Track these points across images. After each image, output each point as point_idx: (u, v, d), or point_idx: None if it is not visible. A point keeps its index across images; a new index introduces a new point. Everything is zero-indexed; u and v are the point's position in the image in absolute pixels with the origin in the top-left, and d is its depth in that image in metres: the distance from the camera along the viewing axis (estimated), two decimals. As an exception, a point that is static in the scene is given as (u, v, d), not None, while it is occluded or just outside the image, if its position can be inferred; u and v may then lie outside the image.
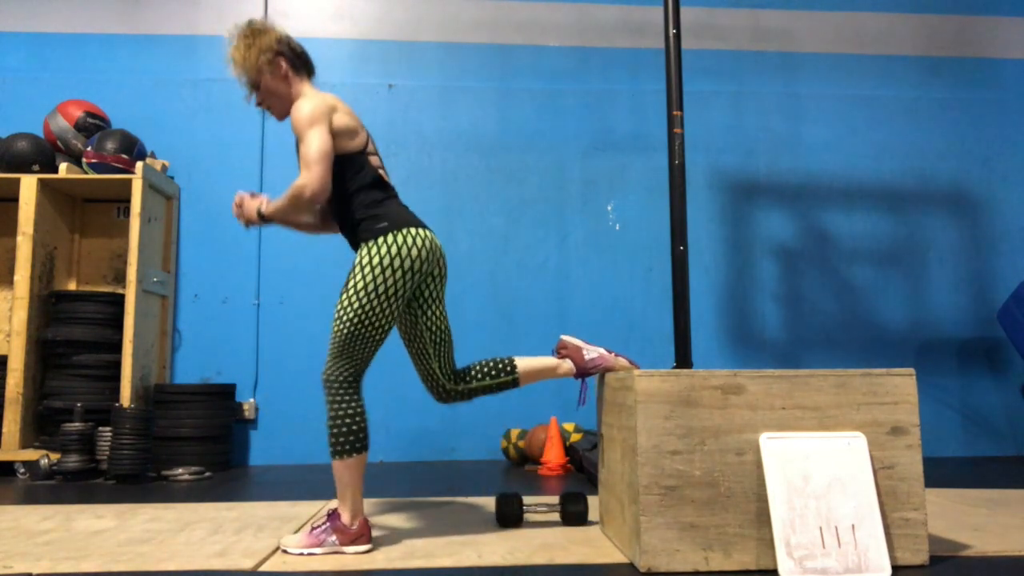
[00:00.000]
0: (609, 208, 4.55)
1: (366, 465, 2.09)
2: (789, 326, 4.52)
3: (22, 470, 3.63)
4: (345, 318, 2.05)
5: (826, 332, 4.52)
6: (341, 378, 2.05)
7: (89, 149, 3.96)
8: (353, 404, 2.05)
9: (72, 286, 4.24)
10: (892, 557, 1.80)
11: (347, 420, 2.03)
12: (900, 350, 4.53)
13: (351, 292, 2.06)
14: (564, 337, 2.37)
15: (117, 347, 3.88)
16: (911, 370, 1.91)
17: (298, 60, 2.25)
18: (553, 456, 3.77)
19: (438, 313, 2.25)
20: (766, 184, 4.64)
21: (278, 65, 2.20)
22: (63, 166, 3.92)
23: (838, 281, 4.57)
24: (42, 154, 3.97)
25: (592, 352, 2.31)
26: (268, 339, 4.28)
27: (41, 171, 3.94)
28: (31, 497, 3.02)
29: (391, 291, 2.06)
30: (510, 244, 4.47)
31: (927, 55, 4.83)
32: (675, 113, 3.08)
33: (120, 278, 4.26)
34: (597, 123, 4.61)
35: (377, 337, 2.08)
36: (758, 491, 1.82)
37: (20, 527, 2.37)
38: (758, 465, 1.83)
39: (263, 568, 1.88)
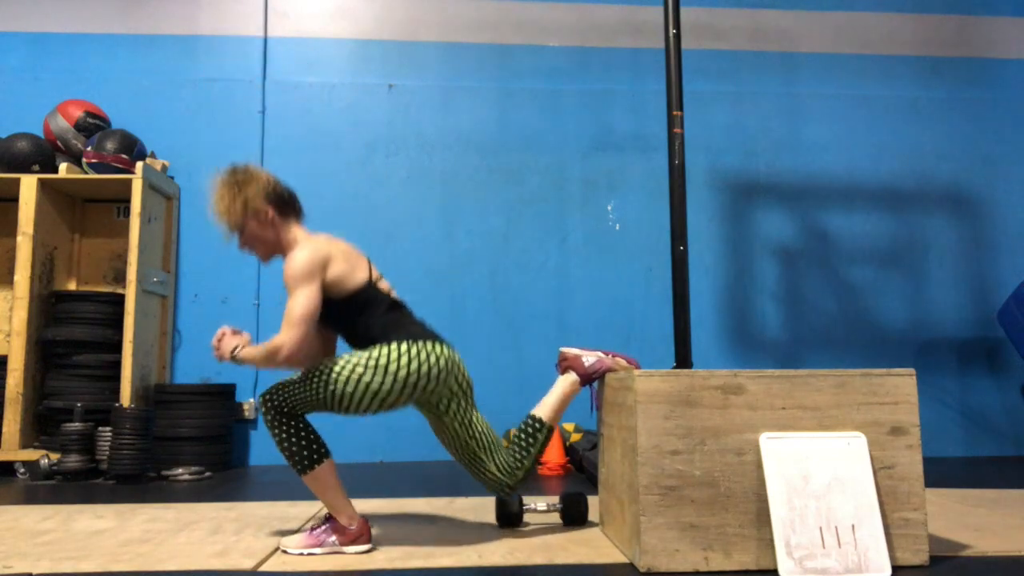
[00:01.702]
0: (609, 208, 4.55)
1: (335, 468, 2.04)
2: (789, 326, 4.52)
3: (22, 470, 3.63)
4: (328, 381, 1.99)
5: (826, 332, 4.52)
6: (276, 409, 2.01)
7: (89, 149, 3.96)
8: (292, 424, 2.00)
9: (72, 286, 4.24)
10: (892, 557, 1.80)
11: (292, 439, 2.00)
12: (900, 350, 4.53)
13: (348, 370, 1.99)
14: (562, 349, 2.38)
15: (117, 347, 3.88)
16: (911, 370, 1.91)
17: (286, 206, 2.16)
18: (553, 456, 3.77)
19: (476, 419, 2.23)
20: (766, 184, 4.63)
21: (264, 212, 2.11)
22: (63, 166, 3.92)
23: (838, 281, 4.57)
24: (42, 154, 3.97)
25: (590, 357, 2.32)
26: (268, 339, 4.27)
27: (41, 171, 3.94)
28: (31, 497, 3.02)
29: (385, 393, 2.01)
30: (510, 244, 4.47)
31: (927, 55, 4.83)
32: (675, 113, 3.08)
33: (120, 278, 4.26)
34: (597, 123, 4.61)
35: (336, 411, 2.03)
36: (758, 491, 1.82)
37: (20, 527, 2.37)
38: (758, 465, 1.83)
39: (263, 568, 1.88)
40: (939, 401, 4.51)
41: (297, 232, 2.18)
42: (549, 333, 4.38)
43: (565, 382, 2.32)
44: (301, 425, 2.02)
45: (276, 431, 2.01)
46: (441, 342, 2.12)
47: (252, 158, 4.41)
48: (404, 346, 2.04)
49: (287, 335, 1.97)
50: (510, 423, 4.28)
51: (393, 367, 2.01)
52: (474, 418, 2.22)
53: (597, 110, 4.62)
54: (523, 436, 2.27)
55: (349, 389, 1.99)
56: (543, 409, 2.30)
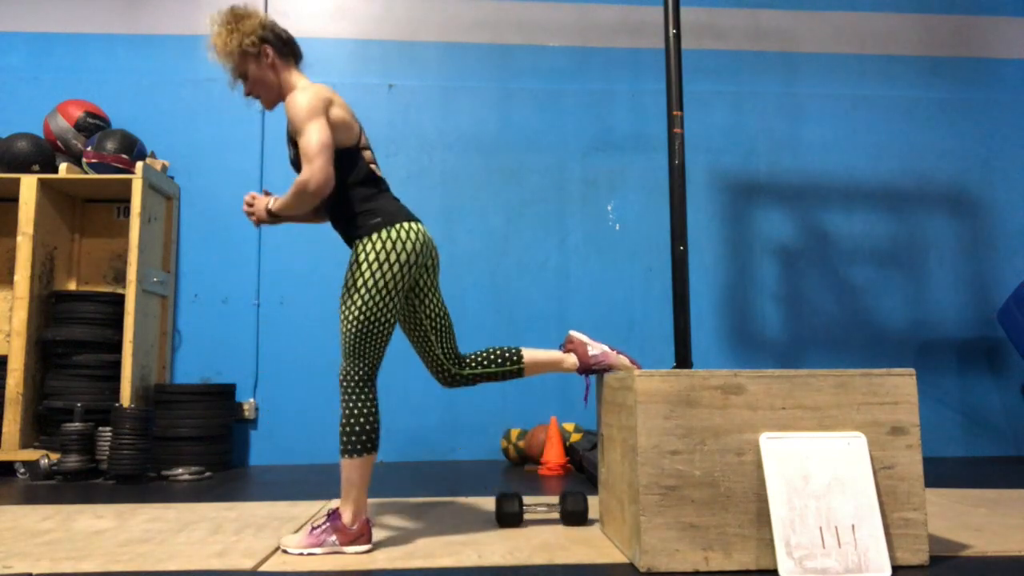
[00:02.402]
0: (609, 208, 4.55)
1: (373, 466, 2.09)
2: (789, 326, 4.52)
3: (22, 470, 3.63)
4: (351, 317, 2.06)
5: (826, 332, 4.52)
6: (357, 377, 2.06)
7: (89, 149, 3.96)
8: (367, 403, 2.06)
9: (72, 286, 4.24)
10: (892, 557, 1.80)
11: (360, 419, 2.04)
12: (900, 350, 4.53)
13: (352, 291, 2.07)
14: (572, 332, 2.39)
15: (117, 347, 3.88)
16: (911, 370, 1.91)
17: (284, 47, 2.19)
18: (553, 456, 3.77)
19: (435, 301, 2.27)
20: (766, 184, 4.64)
21: (264, 52, 2.14)
22: (63, 166, 3.92)
23: (838, 281, 4.57)
24: (42, 154, 3.97)
25: (596, 349, 2.32)
26: (268, 339, 4.28)
27: (41, 171, 3.94)
28: (31, 497, 3.02)
29: (390, 285, 2.07)
30: (510, 244, 4.47)
31: (927, 55, 4.83)
32: (675, 113, 3.08)
33: (120, 278, 4.26)
34: (597, 123, 4.61)
35: (384, 332, 2.08)
36: (758, 491, 1.82)
37: (20, 527, 2.37)
38: (758, 465, 1.83)
39: (263, 568, 1.88)
40: (939, 401, 4.51)
41: (297, 77, 2.21)
42: (549, 333, 4.39)
43: (563, 357, 2.34)
44: (374, 410, 2.06)
45: (350, 405, 2.05)
46: (413, 219, 2.16)
47: (252, 158, 4.41)
48: (384, 232, 2.09)
49: (309, 169, 2.00)
50: (510, 423, 4.29)
51: (383, 256, 2.06)
52: (433, 298, 2.26)
53: (597, 110, 4.62)
54: (496, 354, 2.30)
55: (369, 297, 2.04)
56: (530, 354, 2.32)
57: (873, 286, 4.58)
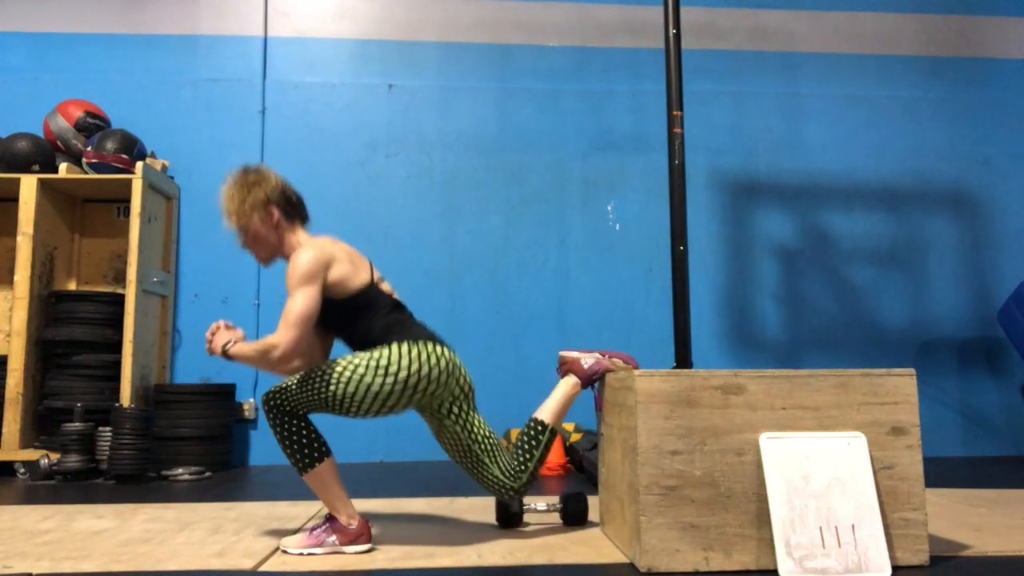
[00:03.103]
0: (609, 208, 4.55)
1: (335, 467, 2.04)
2: (789, 326, 4.52)
3: (22, 470, 3.63)
4: (329, 381, 1.98)
5: (826, 332, 4.52)
6: (286, 408, 2.01)
7: (89, 149, 3.96)
8: (294, 423, 2.01)
9: (72, 286, 4.24)
10: (892, 557, 1.80)
11: (293, 438, 2.00)
12: (900, 350, 4.53)
13: (349, 370, 1.99)
14: (562, 353, 2.38)
15: (117, 347, 3.88)
16: (911, 370, 1.91)
17: (292, 209, 2.17)
18: (553, 456, 3.77)
19: (477, 423, 2.20)
20: (766, 184, 4.63)
21: (270, 214, 2.13)
22: (63, 166, 3.92)
23: (838, 281, 4.57)
24: (42, 154, 3.97)
25: (589, 359, 2.32)
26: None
27: (41, 171, 3.94)
28: (31, 497, 3.02)
29: (385, 394, 2.01)
30: (510, 244, 4.47)
31: (927, 55, 4.82)
32: (675, 113, 3.08)
33: (120, 278, 4.26)
34: (597, 123, 4.61)
35: (337, 413, 2.03)
36: (758, 491, 1.82)
37: (20, 527, 2.37)
38: (758, 465, 1.83)
39: (263, 568, 1.88)
40: (939, 401, 4.51)
41: (300, 235, 2.19)
42: (549, 333, 4.39)
43: (566, 385, 2.32)
44: (302, 424, 2.02)
45: (277, 430, 2.02)
46: (442, 344, 2.12)
47: (252, 158, 4.41)
48: (405, 347, 2.04)
49: (283, 335, 1.97)
50: (510, 423, 4.28)
51: (394, 368, 2.01)
52: (475, 421, 2.20)
53: (597, 110, 4.62)
54: (526, 439, 2.25)
55: (351, 390, 1.99)
56: (545, 412, 2.29)
57: (873, 286, 4.58)
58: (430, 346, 2.07)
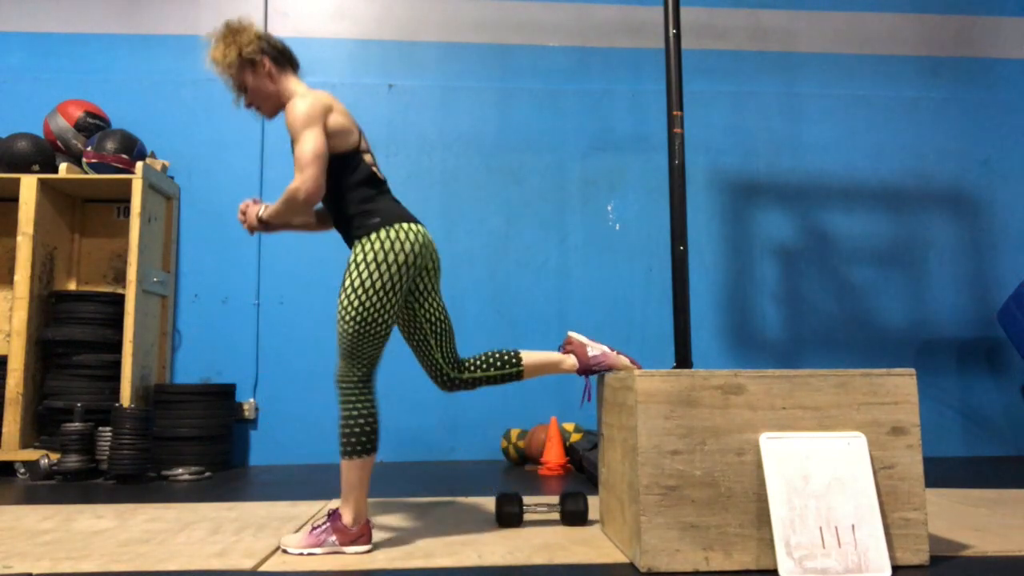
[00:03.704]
0: (609, 208, 4.55)
1: (372, 468, 2.09)
2: (789, 326, 4.52)
3: (22, 470, 3.63)
4: (348, 318, 2.05)
5: (826, 332, 4.52)
6: (354, 378, 2.06)
7: (89, 149, 3.96)
8: (366, 405, 2.05)
9: (72, 286, 4.24)
10: (892, 557, 1.80)
11: (359, 420, 2.04)
12: (900, 350, 4.53)
13: (349, 291, 2.06)
14: (571, 333, 2.38)
15: (117, 347, 3.88)
16: (911, 370, 1.91)
17: (281, 56, 2.22)
18: (553, 456, 3.77)
19: (436, 305, 2.26)
20: (766, 184, 4.64)
21: (261, 63, 2.18)
22: (63, 166, 3.92)
23: (838, 281, 4.57)
24: (42, 154, 3.97)
25: (595, 349, 2.32)
26: (268, 339, 4.28)
27: (41, 171, 3.94)
28: (31, 497, 3.02)
29: (388, 286, 2.06)
30: (510, 244, 4.47)
31: (927, 55, 4.83)
32: (675, 113, 3.08)
33: (120, 278, 4.26)
34: (597, 123, 4.61)
35: (381, 332, 2.08)
36: (758, 491, 1.82)
37: (20, 527, 2.37)
38: (758, 465, 1.83)
39: (263, 568, 1.88)
40: (939, 401, 4.51)
41: (296, 84, 2.22)
42: (549, 333, 4.39)
43: (562, 357, 2.33)
44: (372, 410, 2.06)
45: (350, 403, 2.05)
46: (414, 220, 2.16)
47: (252, 158, 4.41)
48: (383, 232, 2.08)
49: (300, 177, 2.01)
50: (510, 423, 4.29)
51: (381, 256, 2.06)
52: (434, 302, 2.25)
53: (597, 110, 4.62)
54: (495, 357, 2.28)
55: (363, 299, 2.03)
56: (529, 356, 2.31)
57: (873, 286, 4.58)
58: (406, 225, 2.12)
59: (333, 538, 2.02)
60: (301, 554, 1.99)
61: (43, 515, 2.57)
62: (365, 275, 2.05)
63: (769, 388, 1.88)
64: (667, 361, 4.33)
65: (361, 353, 2.06)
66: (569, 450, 3.87)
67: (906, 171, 4.69)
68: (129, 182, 3.91)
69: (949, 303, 4.59)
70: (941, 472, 3.66)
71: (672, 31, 3.13)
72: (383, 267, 2.06)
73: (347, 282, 2.08)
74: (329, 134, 2.09)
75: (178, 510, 2.67)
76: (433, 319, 2.25)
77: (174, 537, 2.22)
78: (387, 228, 2.10)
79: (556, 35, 4.68)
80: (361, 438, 2.03)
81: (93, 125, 4.11)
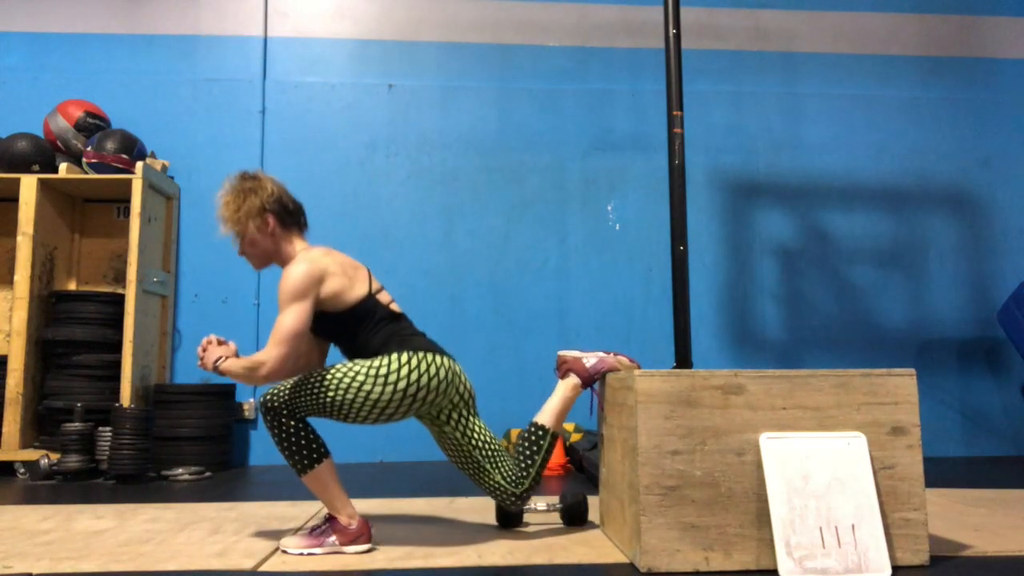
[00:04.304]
0: (609, 208, 4.55)
1: (334, 468, 2.04)
2: (789, 326, 4.52)
3: (22, 470, 3.63)
4: (328, 388, 1.99)
5: (826, 332, 4.52)
6: (284, 411, 2.00)
7: (89, 149, 3.96)
8: (291, 425, 2.00)
9: (72, 286, 4.24)
10: (892, 557, 1.80)
11: (291, 439, 2.00)
12: (900, 350, 4.53)
13: (348, 378, 2.00)
14: (561, 353, 2.37)
15: (117, 347, 3.88)
16: (911, 370, 1.91)
17: (289, 217, 2.15)
18: (553, 456, 3.76)
19: (478, 428, 2.20)
20: (766, 184, 4.63)
21: (265, 222, 2.11)
22: (63, 166, 3.92)
23: (838, 281, 4.57)
24: (42, 154, 3.97)
25: (591, 358, 2.31)
26: (268, 339, 4.27)
27: (41, 171, 3.94)
28: (31, 497, 3.02)
29: (384, 404, 2.01)
30: (510, 244, 4.47)
31: (927, 55, 4.83)
32: (675, 113, 3.08)
33: (120, 278, 4.26)
34: (597, 123, 4.61)
35: (335, 418, 2.04)
36: (758, 491, 1.82)
37: (20, 527, 2.37)
38: (758, 465, 1.83)
39: (263, 568, 1.88)
40: (939, 401, 4.51)
41: (296, 244, 2.16)
42: (549, 333, 4.39)
43: (566, 386, 2.31)
44: (300, 426, 2.01)
45: (275, 432, 2.01)
46: (442, 353, 2.12)
47: (252, 158, 4.41)
48: (404, 356, 2.04)
49: (271, 352, 1.97)
50: (510, 423, 4.28)
51: (393, 377, 2.01)
52: (476, 427, 2.19)
53: (597, 110, 4.62)
54: (527, 444, 2.24)
55: (349, 396, 1.99)
56: (545, 415, 2.28)
57: (873, 286, 4.58)
58: (430, 356, 2.07)
59: (333, 538, 2.02)
60: (301, 554, 1.99)
61: (43, 515, 2.57)
62: (371, 383, 2.00)
63: (769, 388, 1.88)
64: (667, 361, 4.32)
65: (307, 409, 2.00)
66: (569, 450, 3.87)
67: (906, 171, 4.69)
68: (129, 182, 3.91)
69: (949, 303, 4.59)
70: (941, 472, 3.66)
71: (672, 31, 3.13)
72: (391, 384, 2.00)
73: (356, 367, 2.02)
74: (326, 300, 2.04)
75: (178, 510, 2.67)
76: (481, 444, 2.19)
77: (174, 537, 2.22)
78: (411, 352, 2.05)
79: (556, 35, 4.68)
80: (302, 452, 2.00)
81: (93, 125, 4.11)
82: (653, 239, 4.52)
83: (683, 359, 3.00)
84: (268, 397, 2.02)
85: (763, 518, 1.81)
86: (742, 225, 4.59)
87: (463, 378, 2.18)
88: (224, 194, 2.14)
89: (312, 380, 2.01)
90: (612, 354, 2.32)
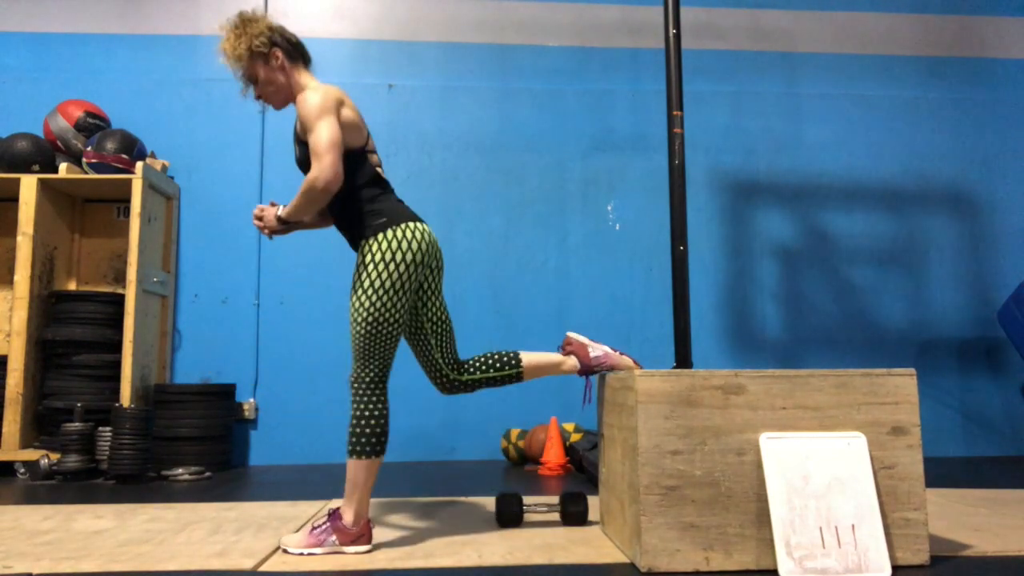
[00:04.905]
0: (609, 208, 4.55)
1: (378, 470, 2.08)
2: (789, 326, 4.52)
3: (22, 470, 3.63)
4: (359, 319, 2.05)
5: (826, 332, 4.52)
6: (367, 379, 2.06)
7: (89, 149, 3.96)
8: (377, 406, 2.05)
9: (72, 286, 4.24)
10: (892, 557, 1.80)
11: (371, 421, 2.04)
12: (900, 350, 4.53)
13: (360, 292, 2.07)
14: (570, 334, 2.37)
15: (117, 347, 3.88)
16: (912, 370, 1.91)
17: (294, 49, 2.22)
18: (553, 456, 3.76)
19: (437, 305, 2.26)
20: (766, 184, 4.64)
21: (273, 55, 2.17)
22: (63, 166, 3.92)
23: (838, 281, 4.57)
24: (42, 154, 3.97)
25: (597, 350, 2.31)
26: (268, 339, 4.28)
27: (41, 171, 3.94)
28: (31, 497, 3.02)
29: (398, 285, 2.06)
30: (510, 244, 4.47)
31: (927, 55, 4.83)
32: (675, 113, 3.08)
33: (120, 278, 4.26)
34: (597, 123, 4.61)
35: (393, 332, 2.08)
36: (758, 491, 1.82)
37: (20, 527, 2.37)
38: (758, 465, 1.83)
39: (263, 568, 1.88)
40: (939, 401, 4.51)
41: (307, 78, 2.23)
42: (549, 333, 4.39)
43: (563, 359, 2.33)
44: (384, 412, 2.06)
45: (361, 404, 2.04)
46: (418, 219, 2.16)
47: (252, 158, 4.41)
48: (391, 232, 2.09)
49: (319, 166, 2.00)
50: (510, 423, 4.29)
51: (389, 255, 2.06)
52: (436, 302, 2.25)
53: (597, 110, 4.62)
54: (495, 357, 2.29)
55: (373, 299, 2.04)
56: (528, 357, 2.31)
57: (873, 286, 4.58)
58: (412, 225, 2.12)
59: (333, 538, 2.02)
60: (301, 554, 1.99)
61: (43, 515, 2.57)
62: (375, 275, 2.05)
63: (769, 388, 1.88)
64: (667, 361, 4.33)
65: (373, 353, 2.06)
66: (569, 450, 3.87)
67: (906, 171, 4.70)
68: (129, 182, 3.91)
69: (949, 303, 4.59)
70: (941, 472, 3.66)
71: (672, 31, 3.13)
72: (391, 266, 2.06)
73: (357, 283, 2.08)
74: (341, 127, 2.09)
75: (178, 510, 2.67)
76: (435, 319, 2.25)
77: (174, 537, 2.22)
78: (394, 228, 2.10)
79: (556, 35, 4.68)
80: (371, 439, 2.03)
81: (93, 125, 4.11)
82: (653, 239, 4.52)
83: (683, 359, 3.00)
84: (356, 372, 2.08)
85: (763, 518, 1.81)
86: (742, 225, 4.59)
87: (438, 245, 2.23)
88: (226, 33, 2.19)
89: (351, 333, 2.08)
90: (618, 353, 2.32)
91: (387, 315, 2.06)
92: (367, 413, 2.04)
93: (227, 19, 2.22)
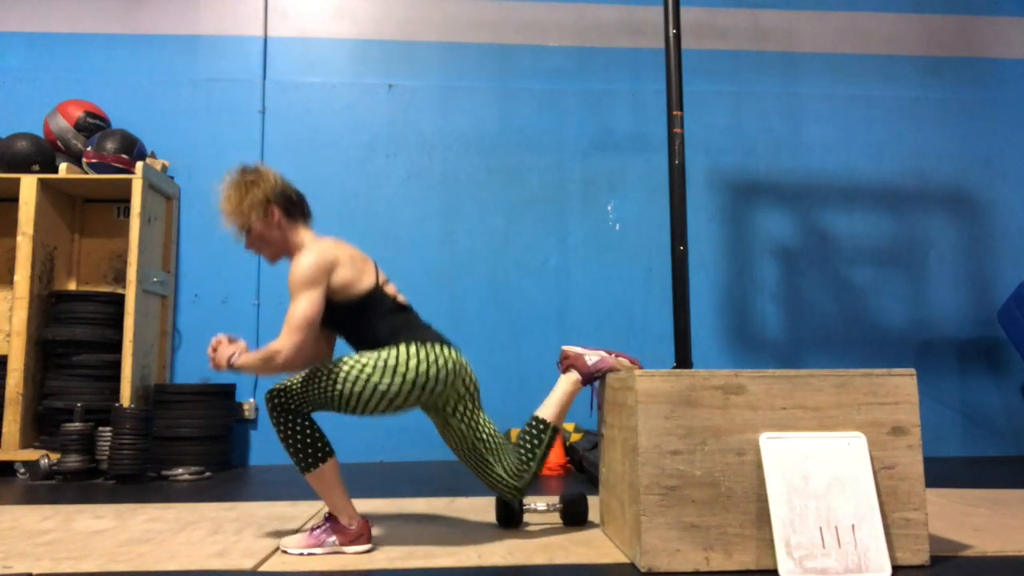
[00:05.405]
0: (609, 208, 4.55)
1: (338, 468, 2.04)
2: (789, 326, 4.52)
3: (22, 470, 3.63)
4: (336, 380, 1.98)
5: (826, 332, 4.52)
6: (290, 407, 2.00)
7: (89, 149, 3.96)
8: (297, 422, 2.00)
9: (72, 286, 4.24)
10: (892, 557, 1.80)
11: (297, 437, 1.99)
12: (900, 350, 4.53)
13: (356, 370, 1.99)
14: (564, 348, 2.37)
15: (117, 347, 3.87)
16: (912, 370, 1.91)
17: (293, 207, 2.16)
18: (553, 456, 3.77)
19: (482, 421, 2.20)
20: (766, 184, 4.63)
21: (270, 214, 2.11)
22: (63, 166, 3.92)
23: (838, 281, 4.57)
24: (42, 154, 3.97)
25: (593, 356, 2.31)
26: (268, 339, 4.25)
27: (41, 171, 3.94)
28: (31, 497, 3.02)
29: (393, 395, 2.01)
30: (510, 244, 4.47)
31: (927, 55, 4.83)
32: (675, 113, 3.08)
33: (120, 278, 4.25)
34: (597, 123, 4.61)
35: (342, 411, 2.03)
36: (758, 491, 1.82)
37: (20, 527, 2.37)
38: (758, 465, 1.83)
39: (263, 568, 1.88)
40: (939, 401, 4.51)
41: (304, 235, 2.17)
42: (549, 333, 4.39)
43: (567, 381, 2.32)
44: (306, 423, 2.01)
45: (281, 429, 2.01)
46: (449, 345, 2.12)
47: (252, 158, 4.41)
48: (412, 348, 2.04)
49: (285, 341, 1.96)
50: (510, 423, 4.28)
51: (402, 368, 2.01)
52: (481, 420, 2.20)
53: (597, 110, 4.62)
54: (528, 439, 2.25)
55: (357, 389, 1.99)
56: (546, 410, 2.29)
57: (873, 286, 4.58)
58: (437, 347, 2.07)
59: (333, 538, 2.02)
60: (301, 554, 1.99)
61: (43, 515, 2.57)
62: (379, 374, 1.99)
63: (769, 388, 1.88)
64: (667, 361, 4.32)
65: (313, 402, 2.00)
66: (569, 450, 3.87)
67: (906, 171, 4.69)
68: (129, 182, 3.91)
69: (949, 303, 4.59)
70: (941, 472, 3.66)
71: (672, 31, 3.13)
72: (399, 375, 2.00)
73: (363, 359, 2.01)
74: (335, 290, 2.04)
75: (178, 510, 2.67)
76: (485, 436, 2.19)
77: (174, 537, 2.22)
78: (418, 344, 2.05)
79: (556, 35, 4.68)
80: (308, 451, 1.99)
81: (93, 125, 4.11)
82: (653, 239, 4.52)
83: (683, 359, 3.00)
84: (274, 392, 2.02)
85: (763, 518, 1.81)
86: (742, 225, 4.59)
87: (469, 370, 2.18)
88: (225, 189, 2.15)
89: (320, 374, 2.01)
90: (614, 354, 2.32)
91: (356, 405, 1.99)
92: (290, 431, 1.99)
93: (229, 174, 2.16)
